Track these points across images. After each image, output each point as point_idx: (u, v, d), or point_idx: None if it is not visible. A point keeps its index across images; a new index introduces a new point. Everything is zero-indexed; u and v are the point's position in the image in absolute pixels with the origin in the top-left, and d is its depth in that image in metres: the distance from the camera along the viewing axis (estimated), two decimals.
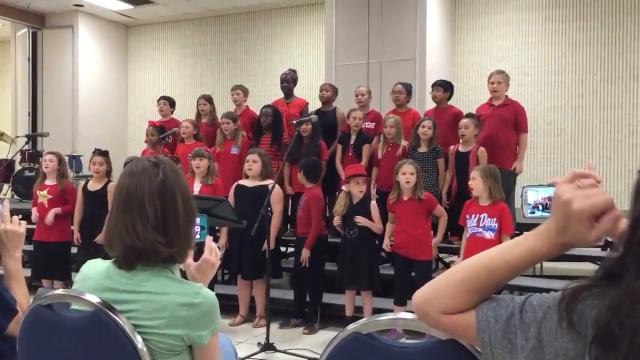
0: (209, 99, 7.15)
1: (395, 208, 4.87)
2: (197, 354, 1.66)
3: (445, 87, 6.33)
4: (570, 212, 0.97)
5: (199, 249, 1.91)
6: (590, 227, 0.97)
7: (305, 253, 5.07)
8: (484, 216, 4.41)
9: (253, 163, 5.26)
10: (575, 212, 0.96)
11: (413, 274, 4.81)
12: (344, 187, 5.05)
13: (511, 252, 1.06)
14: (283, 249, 6.28)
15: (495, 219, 4.37)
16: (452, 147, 5.68)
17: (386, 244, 4.92)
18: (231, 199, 5.22)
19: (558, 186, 1.00)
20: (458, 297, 1.08)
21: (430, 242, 4.83)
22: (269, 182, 5.17)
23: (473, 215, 4.47)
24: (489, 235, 4.34)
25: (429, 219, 4.87)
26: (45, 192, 5.56)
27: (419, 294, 1.13)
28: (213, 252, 1.89)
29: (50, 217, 5.51)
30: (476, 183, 4.47)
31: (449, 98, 6.41)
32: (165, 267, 1.68)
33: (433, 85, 6.40)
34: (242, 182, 5.38)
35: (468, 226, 4.52)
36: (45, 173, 5.66)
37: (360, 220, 4.84)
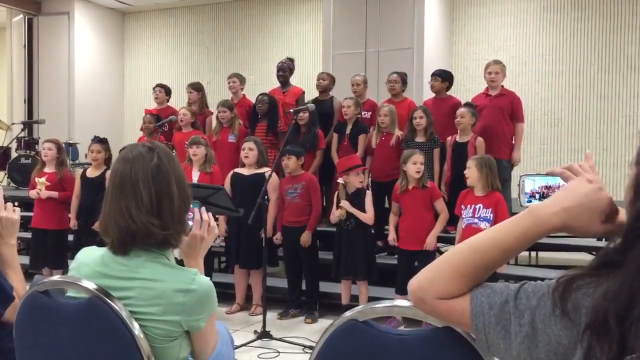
0: (196, 87, 7.05)
1: (401, 198, 4.84)
2: (195, 337, 1.69)
3: (443, 77, 6.23)
4: (593, 206, 1.04)
5: None
6: (599, 220, 1.04)
7: (307, 236, 5.07)
8: (479, 207, 4.41)
9: (249, 151, 5.24)
10: (598, 207, 1.04)
11: (416, 263, 4.76)
12: (339, 180, 4.98)
13: (507, 238, 1.08)
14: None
15: (490, 209, 4.37)
16: (449, 138, 5.61)
17: (392, 238, 4.89)
18: (227, 187, 5.19)
19: (573, 180, 1.08)
20: (453, 282, 1.08)
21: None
22: (265, 169, 5.16)
23: (469, 206, 4.47)
24: (484, 225, 4.33)
25: (432, 210, 4.84)
26: (43, 179, 5.55)
27: (414, 281, 1.14)
28: (204, 224, 1.83)
29: (45, 194, 5.49)
30: (471, 172, 4.47)
31: (448, 88, 6.31)
32: (160, 253, 1.68)
33: (432, 75, 6.31)
34: (238, 170, 5.36)
35: (464, 216, 4.52)
36: (44, 161, 5.66)
37: (346, 205, 4.77)
